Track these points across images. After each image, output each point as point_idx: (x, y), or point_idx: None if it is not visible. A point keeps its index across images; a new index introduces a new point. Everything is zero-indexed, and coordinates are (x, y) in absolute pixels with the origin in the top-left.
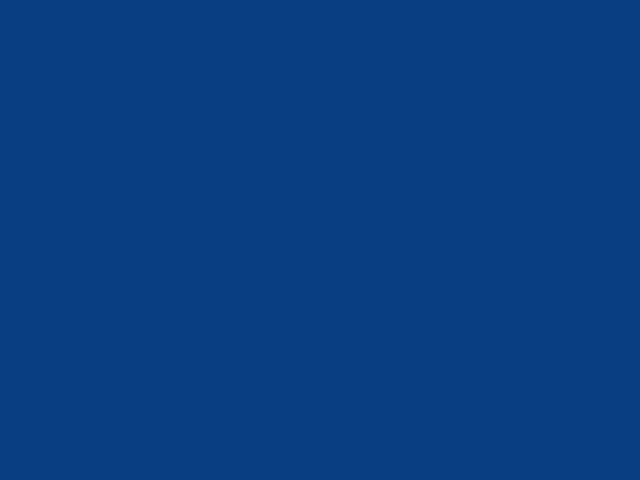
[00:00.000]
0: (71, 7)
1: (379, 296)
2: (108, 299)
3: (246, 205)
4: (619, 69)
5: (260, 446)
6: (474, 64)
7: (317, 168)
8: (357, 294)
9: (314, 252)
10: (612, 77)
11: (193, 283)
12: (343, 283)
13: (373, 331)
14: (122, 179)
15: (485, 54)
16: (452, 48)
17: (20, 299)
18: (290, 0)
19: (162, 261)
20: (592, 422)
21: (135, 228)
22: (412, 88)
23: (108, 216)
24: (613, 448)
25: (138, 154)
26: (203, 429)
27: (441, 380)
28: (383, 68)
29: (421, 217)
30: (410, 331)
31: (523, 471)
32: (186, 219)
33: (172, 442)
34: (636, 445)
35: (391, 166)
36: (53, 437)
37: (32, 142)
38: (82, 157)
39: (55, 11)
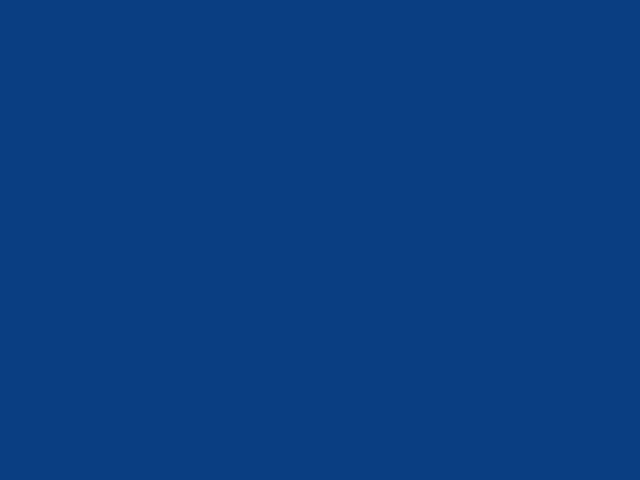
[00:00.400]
0: (71, 7)
1: (379, 296)
2: (108, 299)
3: (246, 205)
4: (619, 69)
5: (260, 446)
6: (474, 64)
7: (317, 168)
8: (357, 294)
9: (314, 252)
10: (612, 77)
11: (193, 283)
12: (343, 283)
13: (373, 331)
14: (122, 179)
15: (485, 54)
16: (452, 48)
17: (20, 299)
18: (290, 0)
19: (162, 261)
20: (592, 422)
21: (135, 227)
22: (412, 88)
23: (108, 216)
24: (613, 448)
25: (138, 153)
26: (203, 429)
27: (441, 380)
28: (383, 68)
29: (421, 217)
30: (410, 331)
31: (523, 471)
32: (186, 219)
33: (172, 442)
34: (636, 445)
35: (391, 166)
36: (53, 437)
37: (32, 142)
38: (82, 157)
39: (55, 11)
